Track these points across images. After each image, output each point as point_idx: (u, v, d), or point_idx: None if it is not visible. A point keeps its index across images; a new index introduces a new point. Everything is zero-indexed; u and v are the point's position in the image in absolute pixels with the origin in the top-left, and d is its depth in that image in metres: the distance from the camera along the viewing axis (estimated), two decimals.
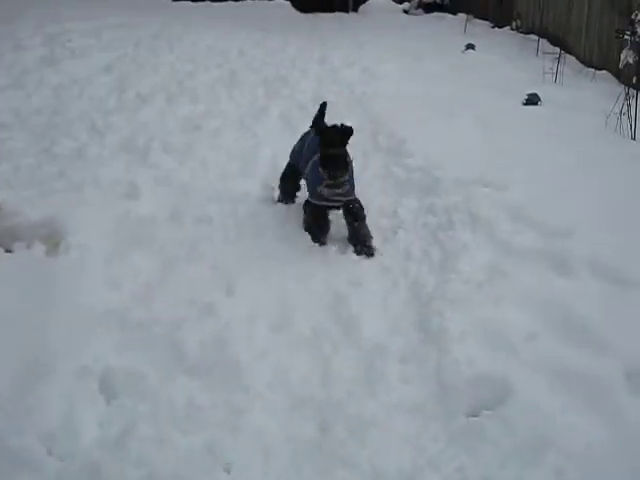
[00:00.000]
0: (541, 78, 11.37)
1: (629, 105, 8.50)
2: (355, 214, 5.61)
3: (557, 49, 12.74)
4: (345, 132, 5.51)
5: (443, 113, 8.98)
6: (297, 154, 6.14)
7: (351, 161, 5.63)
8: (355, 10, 24.58)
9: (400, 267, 5.28)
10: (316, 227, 5.70)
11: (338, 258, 5.45)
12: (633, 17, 9.34)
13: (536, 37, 15.15)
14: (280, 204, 6.32)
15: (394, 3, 23.71)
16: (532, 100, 9.87)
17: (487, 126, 8.45)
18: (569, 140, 7.87)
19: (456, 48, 14.60)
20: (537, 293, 4.67)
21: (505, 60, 13.50)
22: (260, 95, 10.36)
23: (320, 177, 5.51)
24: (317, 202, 5.63)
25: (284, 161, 6.36)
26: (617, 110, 8.52)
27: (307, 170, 5.82)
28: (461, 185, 6.42)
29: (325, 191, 5.53)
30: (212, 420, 3.65)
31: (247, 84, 10.99)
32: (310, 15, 22.46)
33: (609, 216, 5.70)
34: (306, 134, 6.15)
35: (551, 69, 11.56)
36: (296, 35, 16.79)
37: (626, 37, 9.82)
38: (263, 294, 4.80)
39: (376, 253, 5.51)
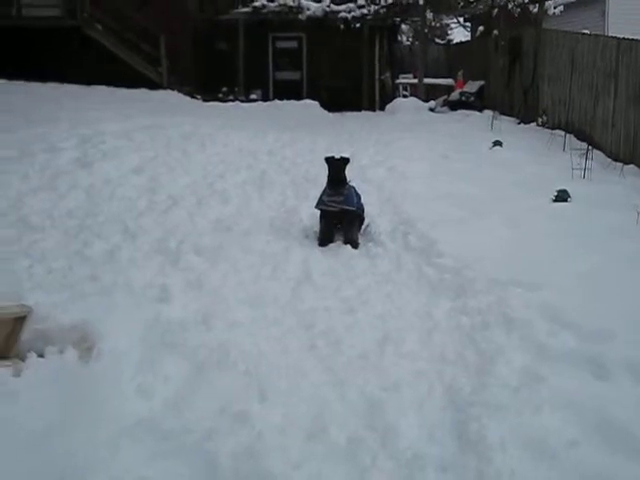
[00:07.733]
0: (569, 174, 11.38)
1: None
2: (348, 224, 8.07)
3: (584, 144, 12.81)
4: (343, 160, 8.32)
5: (473, 212, 8.98)
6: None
7: (350, 185, 8.25)
8: (382, 109, 25.06)
9: (435, 370, 5.17)
10: (322, 234, 8.05)
11: (372, 363, 5.34)
12: None
13: (562, 132, 15.28)
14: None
15: (420, 101, 23.99)
16: (562, 197, 9.84)
17: (517, 224, 8.43)
18: (601, 237, 7.83)
19: (483, 145, 14.72)
20: (576, 398, 4.57)
21: (533, 156, 13.58)
22: (290, 195, 10.48)
23: (325, 190, 8.11)
24: (320, 207, 8.07)
25: (316, 264, 6.63)
26: None
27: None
28: (493, 285, 6.39)
29: (325, 198, 8.02)
30: None
31: (277, 185, 11.12)
32: (338, 114, 22.87)
33: None
34: None
35: (579, 164, 11.59)
36: (325, 135, 17.07)
37: None
38: (296, 401, 4.70)
39: (359, 247, 7.93)
